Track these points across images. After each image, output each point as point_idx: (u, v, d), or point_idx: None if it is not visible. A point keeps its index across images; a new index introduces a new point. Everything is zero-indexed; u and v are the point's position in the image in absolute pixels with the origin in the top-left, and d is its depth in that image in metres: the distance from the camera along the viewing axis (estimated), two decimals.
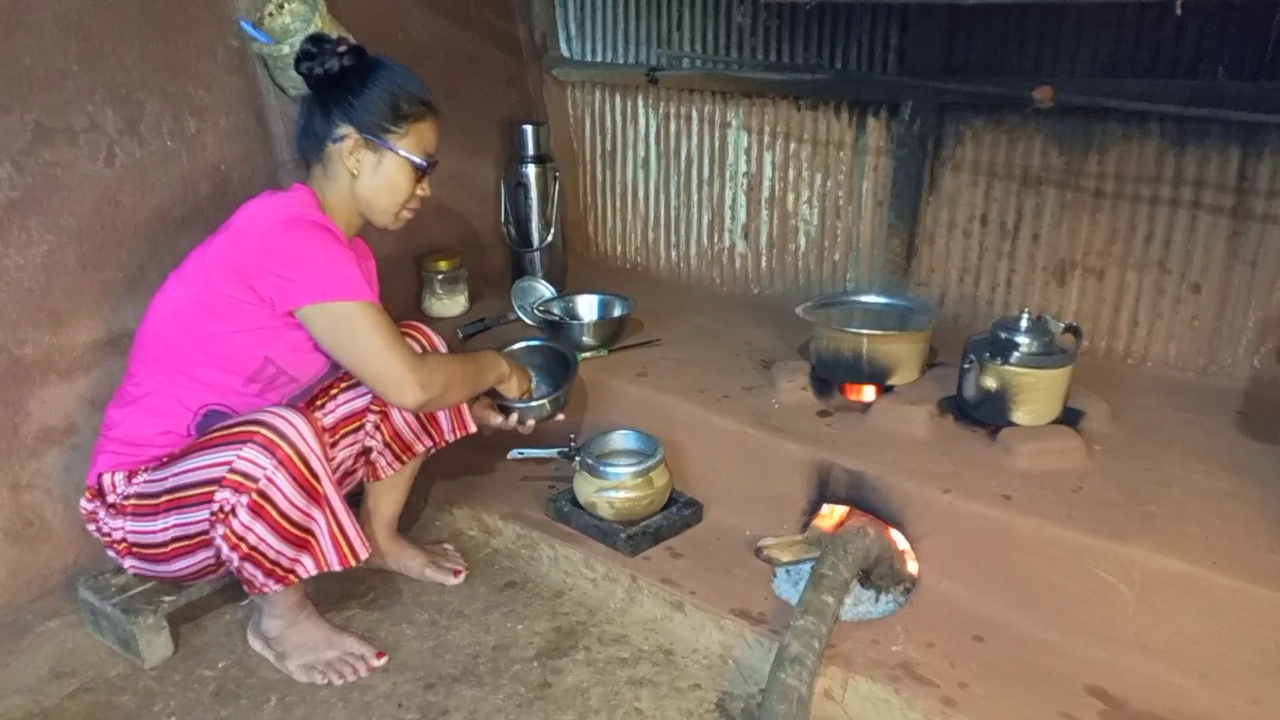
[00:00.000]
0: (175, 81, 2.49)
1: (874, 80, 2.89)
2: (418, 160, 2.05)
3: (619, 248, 3.74)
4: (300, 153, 2.09)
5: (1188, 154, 2.46)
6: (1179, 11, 1.61)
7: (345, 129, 2.00)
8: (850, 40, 2.91)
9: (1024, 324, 2.22)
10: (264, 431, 1.85)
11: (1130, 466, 2.13)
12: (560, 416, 2.46)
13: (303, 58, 2.02)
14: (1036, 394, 2.18)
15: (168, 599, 2.14)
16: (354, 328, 1.94)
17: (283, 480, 1.85)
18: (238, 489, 1.85)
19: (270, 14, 2.56)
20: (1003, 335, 2.22)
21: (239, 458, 1.85)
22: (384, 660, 2.12)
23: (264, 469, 1.84)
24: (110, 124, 2.37)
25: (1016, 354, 2.18)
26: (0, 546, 2.27)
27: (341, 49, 2.01)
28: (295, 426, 1.87)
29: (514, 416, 2.39)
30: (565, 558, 2.38)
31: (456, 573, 2.42)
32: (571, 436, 2.49)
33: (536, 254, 3.31)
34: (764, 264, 3.35)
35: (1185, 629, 1.81)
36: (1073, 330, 2.26)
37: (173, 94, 2.49)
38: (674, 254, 3.58)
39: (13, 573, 2.29)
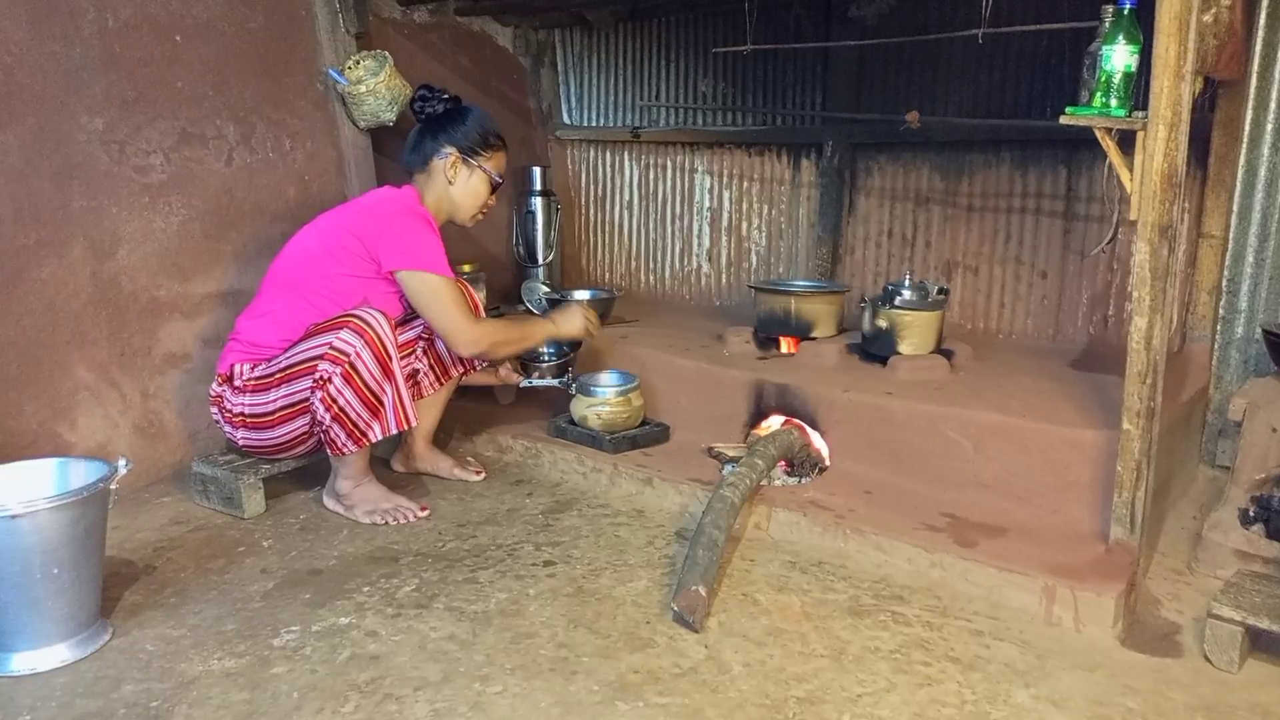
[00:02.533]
0: (277, 111, 3.32)
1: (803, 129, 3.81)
2: (495, 177, 2.90)
3: (607, 276, 4.55)
4: (408, 165, 2.90)
5: (1029, 173, 3.32)
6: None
7: (449, 149, 2.83)
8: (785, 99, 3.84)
9: (908, 283, 3.00)
10: (355, 320, 2.58)
11: (980, 378, 2.91)
12: (568, 378, 3.21)
13: (417, 99, 2.91)
14: (915, 330, 2.95)
15: (265, 466, 2.82)
16: (436, 293, 2.70)
17: (367, 356, 2.56)
18: (335, 361, 2.55)
19: (349, 66, 3.42)
20: (891, 289, 3.00)
21: (337, 339, 2.56)
22: (427, 513, 2.79)
23: (354, 346, 2.56)
24: (231, 135, 3.19)
25: (900, 299, 2.95)
26: (130, 438, 2.95)
27: (445, 96, 2.90)
28: (377, 319, 2.59)
29: (534, 373, 3.17)
30: (562, 459, 3.09)
31: (478, 472, 3.09)
32: (570, 371, 3.23)
33: (540, 269, 4.14)
34: (724, 280, 4.17)
35: (1007, 465, 2.54)
36: (944, 291, 3.04)
37: (275, 120, 3.32)
38: (651, 277, 4.40)
39: (137, 460, 2.92)
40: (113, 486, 2.11)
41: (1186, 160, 2.11)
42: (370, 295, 2.74)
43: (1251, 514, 2.37)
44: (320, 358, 2.58)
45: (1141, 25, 2.04)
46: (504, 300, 4.13)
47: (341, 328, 2.58)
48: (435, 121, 2.90)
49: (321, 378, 2.57)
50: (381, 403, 2.63)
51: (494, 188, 2.93)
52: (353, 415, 2.61)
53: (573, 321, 3.01)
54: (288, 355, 2.66)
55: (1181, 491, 2.90)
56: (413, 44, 3.82)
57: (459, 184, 2.87)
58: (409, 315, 2.90)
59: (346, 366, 2.56)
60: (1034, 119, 3.23)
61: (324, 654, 2.05)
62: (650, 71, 4.25)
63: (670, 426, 3.19)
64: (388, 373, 2.61)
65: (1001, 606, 2.24)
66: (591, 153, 4.49)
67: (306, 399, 2.63)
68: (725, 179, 4.09)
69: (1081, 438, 2.44)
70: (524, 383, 3.20)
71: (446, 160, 2.85)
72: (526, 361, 3.20)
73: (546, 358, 3.29)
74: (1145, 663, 2.05)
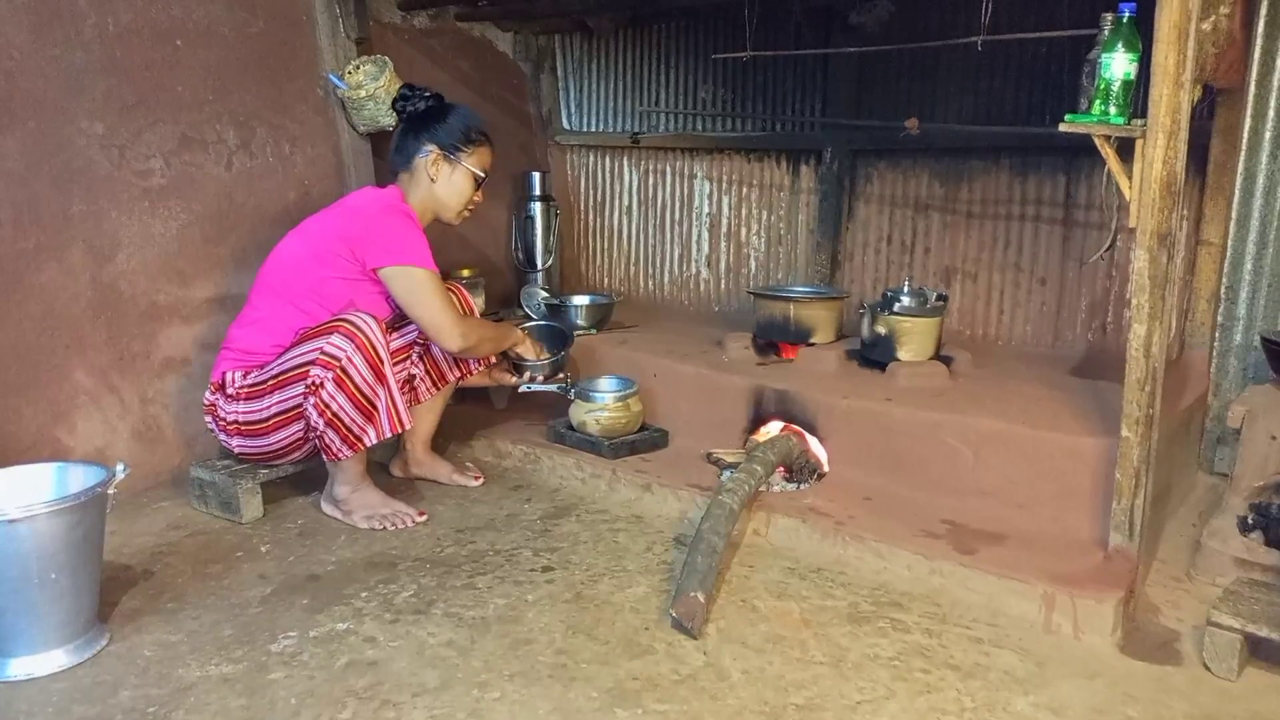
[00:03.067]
0: (278, 116, 3.33)
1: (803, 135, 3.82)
2: (479, 173, 2.89)
3: (606, 281, 4.56)
4: (393, 165, 2.91)
5: (1029, 180, 3.33)
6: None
7: (430, 147, 2.83)
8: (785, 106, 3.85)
9: (907, 289, 3.01)
10: (345, 325, 2.57)
11: (979, 385, 2.91)
12: (561, 375, 3.20)
13: (399, 99, 2.92)
14: (914, 336, 2.95)
15: (263, 471, 2.82)
16: (420, 287, 2.70)
17: (359, 360, 2.55)
18: (326, 366, 2.55)
19: (350, 71, 3.42)
20: (890, 295, 3.00)
21: (328, 344, 2.56)
22: (425, 518, 2.78)
23: (345, 351, 2.55)
24: (231, 140, 3.19)
25: (899, 306, 2.95)
26: (128, 443, 2.95)
27: (427, 94, 2.91)
28: (367, 323, 2.59)
29: (526, 374, 3.14)
30: (561, 465, 3.09)
31: (477, 477, 3.09)
32: (566, 375, 3.21)
33: (540, 274, 4.14)
34: (723, 286, 4.18)
35: (1006, 472, 2.54)
36: (943, 298, 3.04)
37: (275, 125, 3.32)
38: (651, 283, 4.40)
39: (135, 465, 2.87)
40: (111, 491, 2.11)
41: (1185, 168, 2.11)
42: (356, 298, 2.74)
43: (1250, 521, 2.36)
44: (312, 363, 2.58)
45: (1141, 33, 2.04)
46: (503, 305, 4.13)
47: (332, 333, 2.58)
48: (417, 120, 2.90)
49: (314, 383, 2.57)
50: (375, 406, 2.63)
51: (478, 184, 2.92)
52: (346, 420, 2.60)
53: (529, 350, 3.15)
54: (279, 362, 2.66)
55: (1180, 499, 2.90)
56: (413, 49, 3.82)
57: (441, 181, 2.86)
58: (403, 320, 2.89)
59: (338, 371, 2.55)
60: (1033, 126, 3.22)
61: (322, 660, 2.05)
62: (650, 77, 4.26)
63: (669, 432, 3.19)
64: (380, 376, 2.61)
65: (1001, 614, 2.24)
66: (591, 158, 4.50)
67: (300, 405, 2.63)
68: (725, 185, 4.10)
69: (1081, 445, 2.44)
70: (523, 387, 3.19)
71: (428, 158, 2.84)
72: (518, 364, 3.20)
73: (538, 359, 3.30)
74: (1145, 670, 2.05)
